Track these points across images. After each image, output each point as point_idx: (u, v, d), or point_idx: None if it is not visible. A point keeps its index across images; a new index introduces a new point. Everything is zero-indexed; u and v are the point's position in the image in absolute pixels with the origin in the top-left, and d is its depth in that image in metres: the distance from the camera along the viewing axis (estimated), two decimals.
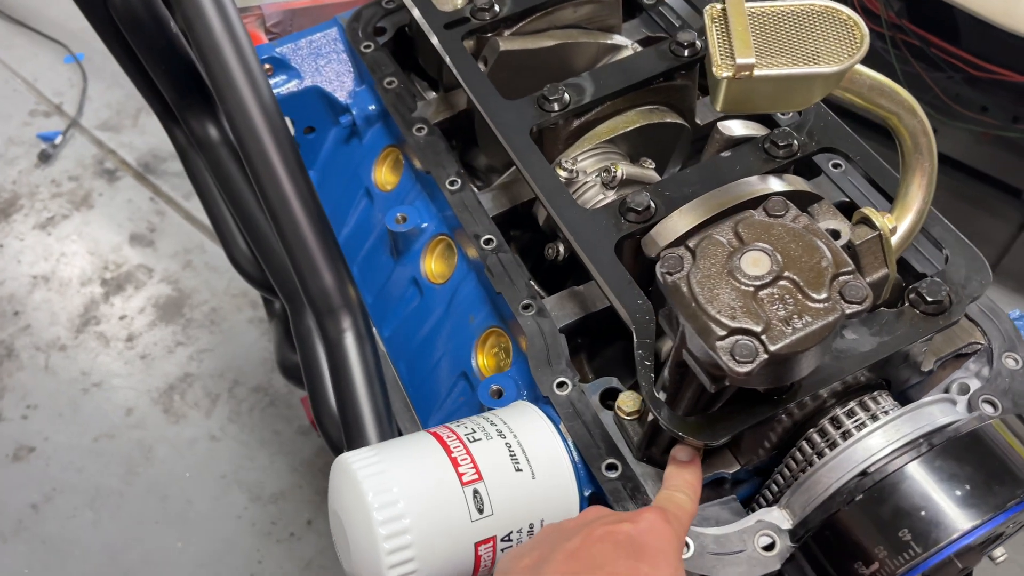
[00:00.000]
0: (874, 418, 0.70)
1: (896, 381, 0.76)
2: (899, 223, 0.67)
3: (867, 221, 0.64)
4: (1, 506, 2.00)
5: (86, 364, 2.20)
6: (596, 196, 0.84)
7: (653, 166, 0.89)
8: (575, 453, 0.76)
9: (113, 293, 2.31)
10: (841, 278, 0.58)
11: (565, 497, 0.74)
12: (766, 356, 0.56)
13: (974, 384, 0.76)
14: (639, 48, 1.00)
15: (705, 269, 0.59)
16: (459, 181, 0.93)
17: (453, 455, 0.72)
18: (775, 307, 0.57)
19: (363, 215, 1.08)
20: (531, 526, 0.73)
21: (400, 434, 0.93)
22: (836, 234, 0.63)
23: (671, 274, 0.60)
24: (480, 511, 0.70)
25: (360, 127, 1.08)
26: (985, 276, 0.72)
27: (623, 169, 0.82)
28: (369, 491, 0.68)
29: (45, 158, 2.54)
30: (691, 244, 0.61)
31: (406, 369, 1.00)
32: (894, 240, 0.66)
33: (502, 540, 0.72)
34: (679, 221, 0.76)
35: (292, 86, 1.10)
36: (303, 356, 1.02)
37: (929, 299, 0.70)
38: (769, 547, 0.70)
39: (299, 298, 0.99)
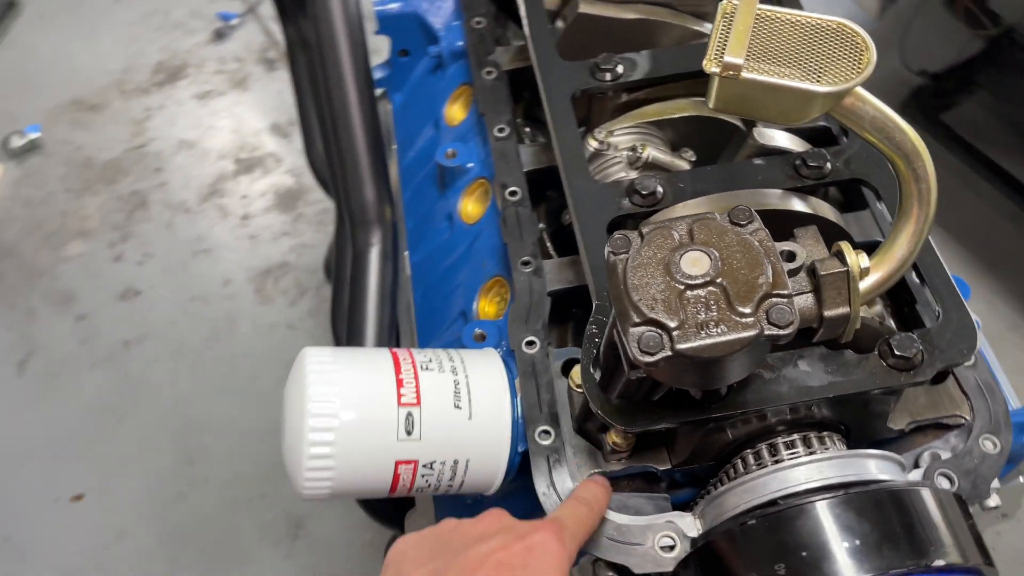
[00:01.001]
0: (810, 455, 0.68)
1: (856, 430, 0.73)
2: (876, 268, 0.64)
3: (840, 255, 0.61)
4: (100, 336, 2.21)
5: (203, 230, 2.38)
6: (618, 173, 0.85)
7: (692, 159, 0.88)
8: (519, 410, 0.78)
9: (242, 172, 2.47)
10: (772, 299, 0.56)
11: (496, 446, 0.77)
12: (669, 353, 0.56)
13: (945, 457, 0.73)
14: None
15: (645, 256, 0.59)
16: (507, 129, 0.95)
17: (401, 376, 0.76)
18: (697, 309, 0.57)
19: (427, 144, 1.12)
20: (455, 462, 0.76)
21: None
22: (792, 256, 0.61)
23: (615, 254, 0.61)
24: (408, 433, 0.74)
25: (445, 60, 1.11)
26: (970, 345, 0.68)
27: (650, 152, 0.82)
28: (310, 386, 0.73)
29: (219, 36, 2.73)
30: (644, 230, 0.61)
31: (421, 296, 1.04)
32: (864, 283, 0.63)
33: (424, 466, 0.75)
34: (680, 213, 0.75)
35: (394, 6, 1.14)
36: (336, 259, 1.08)
37: (897, 353, 0.67)
38: (668, 548, 0.70)
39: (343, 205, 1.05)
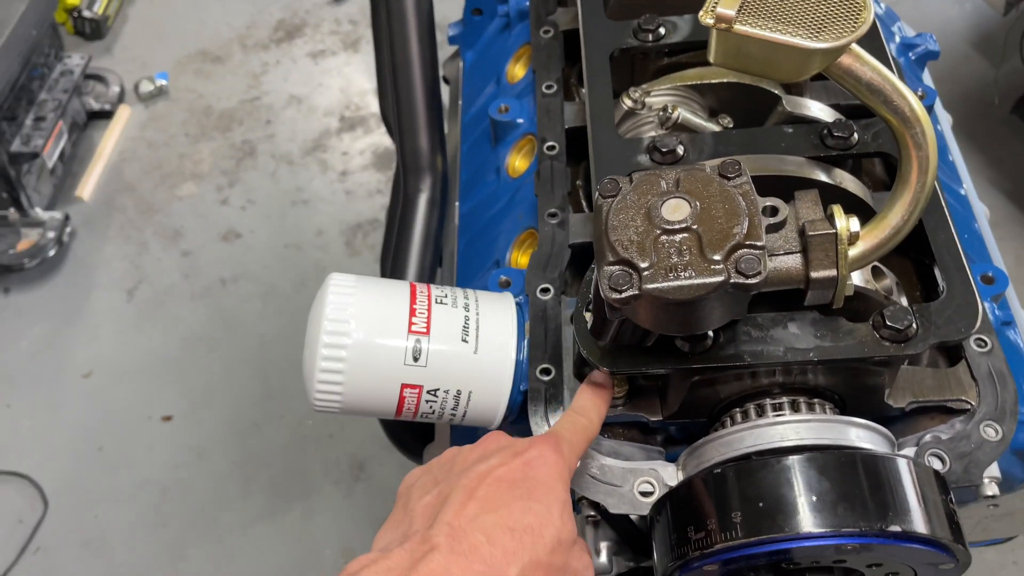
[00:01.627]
0: (793, 417, 0.69)
1: (851, 401, 0.73)
2: (868, 234, 0.64)
3: (831, 218, 0.62)
4: (201, 272, 2.37)
5: (303, 182, 2.50)
6: (649, 132, 0.86)
7: (729, 125, 0.88)
8: (524, 352, 0.81)
9: (345, 130, 2.58)
10: (744, 249, 0.58)
11: (498, 381, 0.80)
12: (636, 292, 0.58)
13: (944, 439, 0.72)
14: None
15: (629, 201, 0.62)
16: (555, 87, 0.98)
17: (415, 306, 0.80)
18: (670, 253, 0.59)
19: (488, 100, 1.16)
20: (459, 392, 0.80)
21: None
22: (774, 211, 0.62)
23: (603, 196, 0.63)
24: (415, 360, 0.78)
25: (513, 19, 1.15)
26: (968, 324, 0.67)
27: (680, 112, 0.83)
28: (329, 305, 0.78)
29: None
30: (636, 175, 0.63)
31: (465, 244, 1.09)
32: (855, 248, 0.63)
33: (428, 392, 0.79)
34: None
35: None
36: (391, 203, 1.13)
37: (888, 323, 0.66)
38: (646, 494, 0.72)
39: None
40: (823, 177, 0.76)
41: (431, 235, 1.04)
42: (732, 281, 0.57)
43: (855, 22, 0.57)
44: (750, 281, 0.57)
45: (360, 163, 2.50)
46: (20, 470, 2.07)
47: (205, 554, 1.93)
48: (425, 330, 0.79)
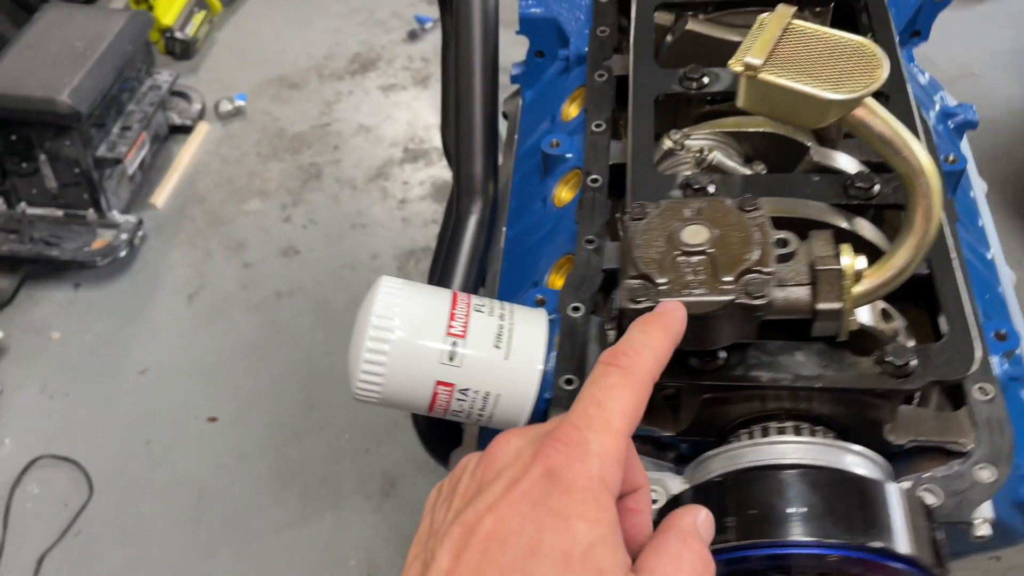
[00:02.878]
0: (795, 439, 0.74)
1: (853, 432, 0.77)
2: (872, 273, 0.69)
3: (838, 255, 0.67)
4: (259, 284, 2.48)
5: (363, 207, 2.61)
6: (684, 171, 0.93)
7: (762, 171, 0.95)
8: (552, 363, 0.87)
9: (408, 161, 2.69)
10: (753, 274, 0.64)
11: (525, 386, 0.86)
12: (652, 304, 0.64)
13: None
14: None
15: (654, 223, 0.68)
16: (604, 126, 1.05)
17: (455, 311, 0.87)
18: (686, 272, 0.65)
19: (541, 135, 1.23)
20: (487, 394, 0.86)
21: None
22: (784, 243, 0.67)
23: (632, 219, 0.70)
24: (451, 359, 0.85)
25: (572, 63, 1.23)
26: (964, 367, 0.72)
27: (716, 155, 0.90)
28: (377, 303, 0.86)
29: (412, 36, 2.98)
30: (662, 203, 0.70)
31: (507, 267, 1.16)
32: (860, 286, 0.68)
33: (459, 391, 0.86)
34: None
35: (537, 10, 1.27)
36: (443, 223, 1.21)
37: (889, 359, 0.71)
38: (653, 502, 0.77)
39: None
40: (842, 223, 0.81)
41: (477, 254, 1.11)
42: (739, 301, 0.63)
43: (870, 78, 0.63)
44: (756, 302, 0.63)
45: (419, 193, 2.61)
46: (72, 456, 2.17)
47: (235, 553, 2.00)
48: (462, 333, 0.86)
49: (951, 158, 1.05)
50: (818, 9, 1.02)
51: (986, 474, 0.75)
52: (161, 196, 2.67)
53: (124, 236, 2.47)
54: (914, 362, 0.72)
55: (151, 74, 2.68)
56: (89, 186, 2.43)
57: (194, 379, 2.31)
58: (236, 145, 2.82)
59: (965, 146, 1.22)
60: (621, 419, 0.48)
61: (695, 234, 0.66)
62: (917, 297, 0.83)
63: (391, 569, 1.95)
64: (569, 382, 0.84)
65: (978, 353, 0.72)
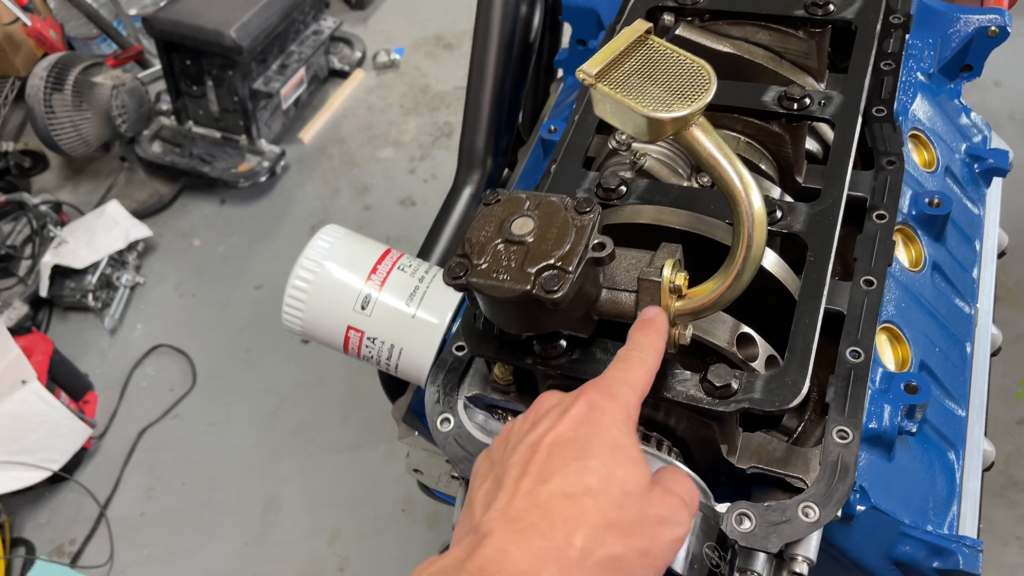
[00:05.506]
0: None
1: (695, 450, 0.79)
2: (692, 292, 0.70)
3: (663, 268, 0.69)
4: (375, 225, 2.66)
5: None
6: (622, 172, 0.95)
7: (708, 184, 0.95)
8: (455, 328, 0.94)
9: None
10: (554, 270, 0.67)
11: (425, 345, 0.93)
12: (463, 281, 0.70)
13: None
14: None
15: (495, 211, 0.73)
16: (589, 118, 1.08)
17: (378, 266, 0.96)
18: (501, 258, 0.70)
19: (557, 120, 1.28)
20: (392, 346, 0.94)
21: None
22: (601, 246, 0.69)
23: (485, 204, 0.75)
24: (363, 308, 0.94)
25: None
26: (784, 401, 0.71)
27: (648, 159, 0.92)
28: (311, 246, 0.96)
29: None
30: (511, 192, 0.74)
31: None
32: (679, 302, 0.70)
33: (368, 339, 0.95)
34: (623, 214, 0.86)
35: (580, 0, 1.31)
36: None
37: (709, 378, 0.73)
38: None
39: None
40: (727, 240, 0.82)
41: (466, 224, 1.18)
42: (534, 292, 0.67)
43: (698, 98, 0.65)
44: (550, 296, 0.67)
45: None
46: (185, 349, 2.46)
47: (295, 463, 2.21)
48: (379, 287, 0.94)
49: (935, 201, 1.00)
50: (815, 30, 1.00)
51: (809, 512, 0.75)
52: (309, 133, 2.90)
53: (266, 164, 2.72)
54: (735, 384, 0.73)
55: (317, 19, 2.90)
56: (244, 114, 2.70)
57: None
58: (384, 95, 3.00)
59: (993, 193, 1.15)
60: (637, 384, 0.64)
61: (521, 225, 0.71)
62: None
63: (423, 506, 2.08)
64: (460, 348, 0.90)
65: (803, 390, 0.72)
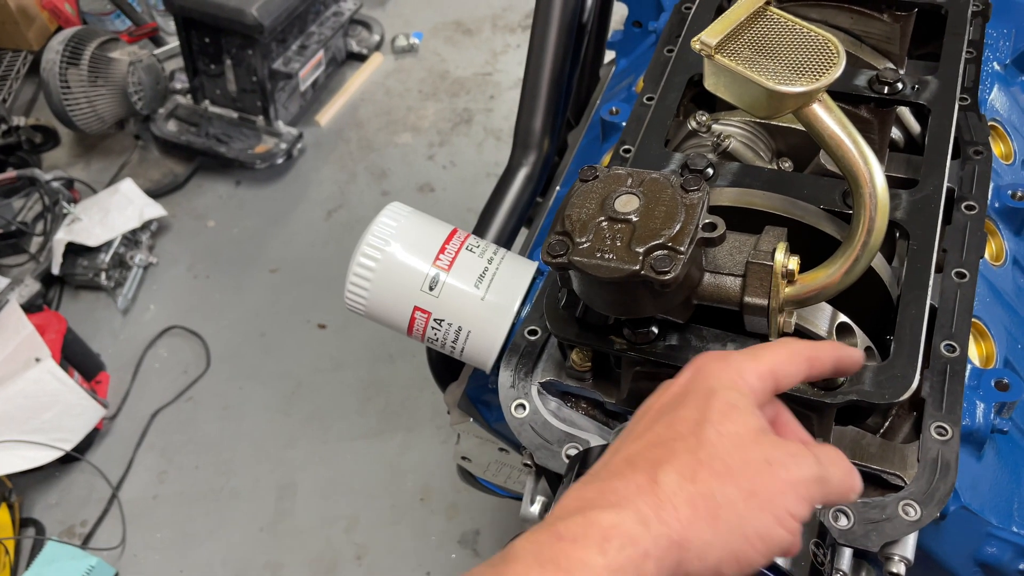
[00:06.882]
0: None
1: None
2: (805, 278, 0.67)
3: (773, 253, 0.66)
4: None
5: (502, 158, 2.66)
6: (704, 154, 0.92)
7: (789, 168, 0.92)
8: (525, 312, 0.91)
9: None
10: (665, 250, 0.64)
11: (495, 328, 0.90)
12: (565, 260, 0.67)
13: None
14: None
15: (595, 187, 0.70)
16: (654, 99, 1.05)
17: (447, 245, 0.92)
18: (605, 236, 0.67)
19: (614, 104, 1.25)
20: (459, 328, 0.91)
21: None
22: (712, 227, 0.66)
23: (582, 180, 0.72)
24: (431, 289, 0.91)
25: (659, 36, 1.23)
26: (895, 394, 0.69)
27: (732, 142, 0.89)
28: (377, 223, 0.93)
29: None
30: (612, 169, 0.71)
31: (547, 223, 1.19)
32: (789, 288, 0.67)
33: (435, 320, 0.91)
34: (714, 196, 0.83)
35: None
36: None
37: None
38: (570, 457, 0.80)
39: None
40: (829, 229, 0.79)
41: (520, 205, 1.15)
42: (643, 273, 0.64)
43: (824, 75, 0.62)
44: (660, 277, 0.64)
45: None
46: (199, 331, 2.42)
47: (310, 448, 2.17)
48: (447, 267, 0.91)
49: (1018, 194, 0.97)
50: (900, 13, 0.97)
51: (910, 511, 0.72)
52: (326, 116, 2.86)
53: (283, 146, 2.68)
54: (842, 378, 0.70)
55: (338, 0, 2.86)
56: (262, 95, 2.65)
57: (314, 286, 2.49)
58: (402, 80, 2.96)
59: None
60: (764, 357, 0.59)
61: (626, 203, 0.68)
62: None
63: (441, 496, 2.05)
64: (533, 332, 0.87)
65: (914, 383, 0.69)
